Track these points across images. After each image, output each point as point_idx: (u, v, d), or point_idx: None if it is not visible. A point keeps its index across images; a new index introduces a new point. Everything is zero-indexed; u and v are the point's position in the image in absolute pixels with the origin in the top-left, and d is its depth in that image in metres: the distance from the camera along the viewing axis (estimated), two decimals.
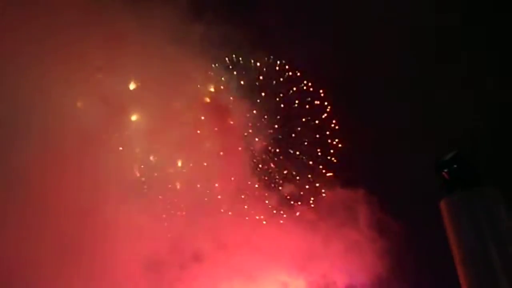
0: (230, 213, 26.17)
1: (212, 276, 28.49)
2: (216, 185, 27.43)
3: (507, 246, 8.66)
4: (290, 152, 32.27)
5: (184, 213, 25.45)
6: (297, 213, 27.68)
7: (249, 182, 28.98)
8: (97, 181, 25.52)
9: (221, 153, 28.65)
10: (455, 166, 9.48)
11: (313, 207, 28.15)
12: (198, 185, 26.49)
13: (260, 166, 31.67)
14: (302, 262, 27.93)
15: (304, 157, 32.03)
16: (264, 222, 26.82)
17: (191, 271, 27.14)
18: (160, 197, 25.13)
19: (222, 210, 26.27)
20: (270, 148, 32.09)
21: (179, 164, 27.64)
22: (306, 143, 32.74)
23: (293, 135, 32.47)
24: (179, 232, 25.05)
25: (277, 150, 32.02)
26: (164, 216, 24.77)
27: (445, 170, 9.86)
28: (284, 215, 27.18)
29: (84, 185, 23.95)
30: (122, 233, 23.47)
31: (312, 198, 29.72)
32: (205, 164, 28.07)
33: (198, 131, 27.75)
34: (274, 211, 27.19)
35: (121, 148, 27.05)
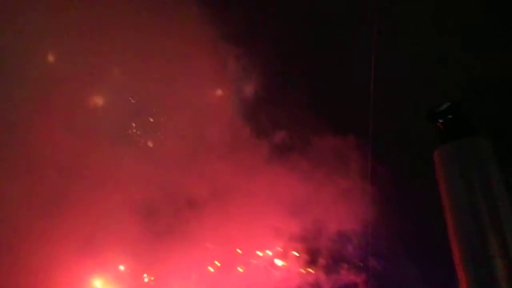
0: (223, 160, 26.27)
1: (205, 223, 29.10)
2: (208, 132, 27.30)
3: (496, 199, 8.62)
4: (280, 99, 31.81)
5: (176, 160, 25.52)
6: (290, 161, 27.81)
7: (240, 130, 28.81)
8: (87, 127, 25.26)
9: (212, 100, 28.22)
10: (449, 116, 9.28)
11: (304, 155, 28.24)
12: (190, 132, 26.41)
13: (251, 113, 31.31)
14: (295, 209, 28.49)
15: (294, 105, 31.59)
16: (257, 170, 27.04)
17: (183, 218, 27.64)
18: (150, 144, 25.05)
19: (214, 157, 26.37)
20: (260, 94, 31.56)
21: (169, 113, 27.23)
22: (296, 90, 32.15)
23: (283, 81, 31.84)
24: (171, 178, 25.22)
25: (267, 97, 31.53)
26: (156, 162, 24.83)
27: (440, 121, 9.66)
28: (277, 163, 27.34)
29: (73, 131, 23.71)
30: (113, 179, 23.56)
31: (303, 146, 29.63)
32: (195, 110, 27.78)
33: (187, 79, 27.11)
34: (267, 159, 27.32)
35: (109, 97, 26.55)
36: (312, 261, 30.31)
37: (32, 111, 22.00)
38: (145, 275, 27.21)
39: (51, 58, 23.60)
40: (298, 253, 30.24)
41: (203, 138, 26.87)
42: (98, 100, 27.20)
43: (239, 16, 29.04)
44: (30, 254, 20.21)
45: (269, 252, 30.53)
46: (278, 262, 30.75)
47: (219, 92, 30.24)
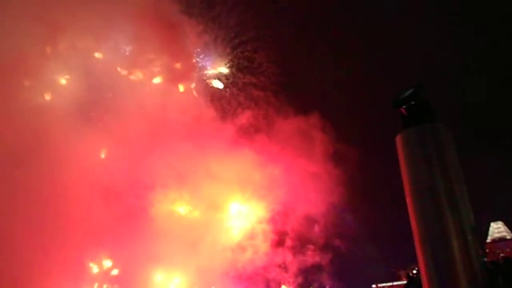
0: (186, 142, 26.09)
1: (171, 203, 28.97)
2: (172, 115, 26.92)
3: (453, 182, 9.00)
4: (245, 81, 31.70)
5: (138, 141, 25.14)
6: (255, 143, 27.94)
7: (205, 113, 28.51)
8: (46, 107, 24.37)
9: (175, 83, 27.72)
10: (412, 102, 9.54)
11: (270, 137, 28.46)
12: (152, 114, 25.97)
13: (215, 95, 30.99)
14: (262, 192, 28.77)
15: (259, 86, 31.59)
16: (222, 153, 27.03)
17: (149, 199, 27.39)
18: (114, 125, 24.51)
19: (179, 141, 26.14)
20: (225, 75, 31.33)
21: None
22: (262, 72, 32.12)
23: (247, 62, 31.67)
24: (136, 160, 24.85)
25: (232, 79, 31.31)
26: (120, 145, 24.38)
27: (403, 106, 9.93)
28: (242, 146, 27.43)
29: (32, 110, 22.86)
30: (76, 159, 22.98)
31: (268, 128, 29.73)
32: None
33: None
34: (232, 142, 27.37)
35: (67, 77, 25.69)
36: (279, 243, 30.93)
37: None
38: (108, 260, 27.02)
39: None
40: (265, 234, 30.77)
41: (166, 120, 26.57)
42: (58, 80, 26.36)
43: None
44: None
45: (235, 234, 30.86)
46: (245, 243, 31.20)
47: (182, 71, 29.83)
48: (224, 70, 30.79)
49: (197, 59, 29.63)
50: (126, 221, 23.79)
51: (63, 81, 25.39)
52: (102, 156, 24.94)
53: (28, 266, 20.07)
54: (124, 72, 26.56)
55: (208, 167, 26.79)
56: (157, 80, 27.09)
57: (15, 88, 22.36)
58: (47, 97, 24.36)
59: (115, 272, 26.47)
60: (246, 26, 30.32)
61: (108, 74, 26.12)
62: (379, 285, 53.97)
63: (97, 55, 25.31)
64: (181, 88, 28.00)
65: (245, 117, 29.65)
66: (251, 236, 30.37)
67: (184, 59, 27.89)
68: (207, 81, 30.57)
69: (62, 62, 24.60)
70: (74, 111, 24.42)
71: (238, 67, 31.03)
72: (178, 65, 27.66)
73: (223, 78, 30.98)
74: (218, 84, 30.79)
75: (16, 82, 22.46)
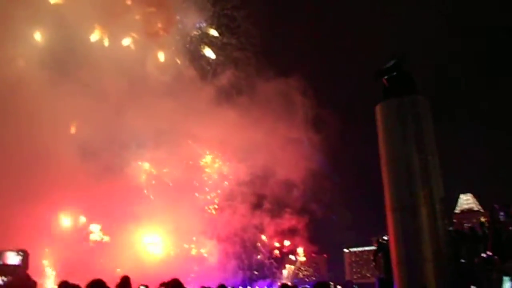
0: (165, 101, 25.62)
1: (151, 161, 28.77)
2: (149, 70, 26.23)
3: (427, 153, 9.25)
4: (228, 39, 30.97)
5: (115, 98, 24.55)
6: (235, 105, 27.63)
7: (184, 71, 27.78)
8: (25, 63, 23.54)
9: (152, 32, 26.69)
10: (394, 74, 9.63)
11: (251, 99, 28.22)
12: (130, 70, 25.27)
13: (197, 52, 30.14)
14: (242, 154, 28.88)
15: (239, 46, 30.85)
16: (202, 113, 26.74)
17: (126, 157, 27.10)
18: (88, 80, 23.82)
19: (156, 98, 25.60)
20: (206, 32, 30.36)
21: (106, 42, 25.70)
22: (242, 32, 31.26)
23: (227, 21, 30.80)
24: (114, 118, 24.39)
25: (214, 35, 30.39)
26: (94, 99, 23.77)
27: (385, 77, 10.02)
28: (223, 107, 27.18)
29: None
30: (50, 115, 22.39)
31: (249, 90, 29.38)
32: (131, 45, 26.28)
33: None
34: (212, 102, 27.06)
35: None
36: (257, 205, 31.48)
37: None
38: (82, 216, 27.00)
39: None
40: (244, 196, 31.21)
41: (144, 77, 25.93)
42: (32, 34, 25.22)
43: None
44: None
45: (211, 195, 31.13)
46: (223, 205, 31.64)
47: (161, 24, 28.78)
48: (211, 31, 29.89)
49: (177, 15, 28.57)
50: (103, 179, 23.62)
51: (37, 36, 24.40)
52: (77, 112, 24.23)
53: (1, 221, 19.96)
54: (99, 25, 25.44)
55: (188, 126, 26.50)
56: (127, 41, 26.07)
57: None
58: (21, 50, 23.41)
59: (93, 228, 26.56)
60: None
61: (83, 27, 25.08)
62: (350, 249, 55.95)
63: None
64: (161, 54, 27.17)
65: (225, 78, 29.13)
66: (230, 197, 30.70)
67: (163, 12, 26.84)
68: (190, 39, 29.65)
69: (34, 13, 23.45)
70: (49, 64, 23.59)
71: (218, 25, 30.15)
72: (158, 14, 26.50)
73: (204, 37, 30.10)
74: (209, 53, 29.91)
75: None
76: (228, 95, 28.76)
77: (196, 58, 29.82)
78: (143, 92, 25.49)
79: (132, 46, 26.45)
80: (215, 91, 27.97)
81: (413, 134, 9.42)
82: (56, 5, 23.65)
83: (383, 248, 10.35)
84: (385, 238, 10.37)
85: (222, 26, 30.16)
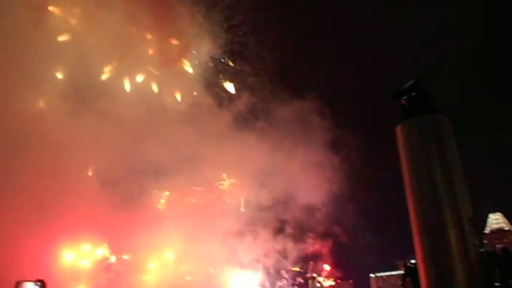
0: (184, 127, 25.93)
1: (172, 187, 28.88)
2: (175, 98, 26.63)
3: (453, 174, 9.01)
4: (241, 66, 31.28)
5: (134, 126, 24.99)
6: (254, 130, 27.68)
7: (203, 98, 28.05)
8: (45, 96, 24.29)
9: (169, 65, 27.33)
10: (413, 94, 9.52)
11: (269, 123, 28.26)
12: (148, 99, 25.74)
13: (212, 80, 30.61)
14: (262, 178, 28.78)
15: (253, 72, 31.18)
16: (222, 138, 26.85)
17: (145, 185, 27.30)
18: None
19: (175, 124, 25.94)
20: (221, 59, 30.83)
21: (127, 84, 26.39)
22: (257, 59, 31.65)
23: (241, 48, 31.24)
24: (132, 146, 24.75)
25: (227, 62, 30.77)
26: (113, 129, 24.25)
27: (404, 97, 9.91)
28: (240, 131, 27.28)
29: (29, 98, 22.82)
30: (71, 146, 22.90)
31: (266, 114, 29.46)
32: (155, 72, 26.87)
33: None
34: (231, 127, 27.20)
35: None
36: (279, 230, 31.06)
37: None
38: (104, 245, 27.07)
39: None
40: (265, 221, 30.87)
41: (161, 106, 26.37)
42: (56, 70, 26.10)
43: None
44: None
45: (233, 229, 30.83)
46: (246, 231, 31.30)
47: (177, 51, 29.37)
48: (226, 59, 30.34)
49: (192, 43, 29.20)
50: (122, 209, 23.83)
51: (59, 75, 25.30)
52: (98, 143, 24.79)
53: (21, 251, 20.26)
54: (115, 56, 26.20)
55: (206, 152, 26.70)
56: (140, 78, 26.76)
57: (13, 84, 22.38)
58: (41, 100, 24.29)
59: (112, 259, 26.60)
60: (239, 9, 29.90)
61: (102, 58, 25.84)
62: (377, 274, 54.30)
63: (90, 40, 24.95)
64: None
65: (241, 103, 29.37)
66: (251, 223, 30.47)
67: (178, 41, 27.50)
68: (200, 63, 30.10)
69: (54, 53, 24.38)
70: (70, 96, 24.29)
71: (231, 52, 30.64)
72: (174, 43, 27.15)
73: (218, 65, 30.52)
74: (230, 88, 30.37)
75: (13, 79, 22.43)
76: (246, 120, 28.93)
77: (212, 85, 30.26)
78: (161, 121, 25.93)
79: (147, 79, 27.11)
80: (232, 117, 28.21)
81: (436, 154, 9.22)
82: (72, 42, 24.50)
83: (411, 272, 10.02)
84: (412, 261, 10.05)
85: (235, 53, 30.63)
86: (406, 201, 9.42)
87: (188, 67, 28.46)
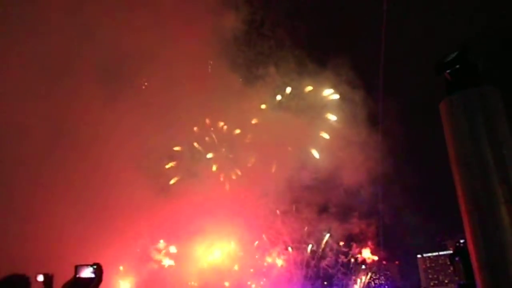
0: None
1: (212, 179, 29.15)
2: None
3: (503, 148, 8.57)
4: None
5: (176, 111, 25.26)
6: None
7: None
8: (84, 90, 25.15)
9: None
10: (457, 66, 9.07)
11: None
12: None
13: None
14: (305, 158, 28.41)
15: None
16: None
17: (189, 173, 27.67)
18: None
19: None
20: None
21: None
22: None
23: None
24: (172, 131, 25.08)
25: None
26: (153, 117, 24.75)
27: (447, 71, 9.47)
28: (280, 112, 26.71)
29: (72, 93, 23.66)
30: (113, 136, 23.58)
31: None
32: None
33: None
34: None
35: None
36: (324, 210, 30.95)
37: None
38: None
39: None
40: (309, 200, 30.76)
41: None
42: (87, 63, 26.85)
43: None
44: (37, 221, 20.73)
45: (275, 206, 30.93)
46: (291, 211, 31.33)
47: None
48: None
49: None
50: (167, 199, 24.44)
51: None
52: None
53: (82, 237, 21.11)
54: None
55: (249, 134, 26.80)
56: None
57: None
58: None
59: (172, 249, 27.23)
60: None
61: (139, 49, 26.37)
62: (424, 255, 53.21)
63: None
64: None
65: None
66: (295, 201, 30.50)
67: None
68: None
69: None
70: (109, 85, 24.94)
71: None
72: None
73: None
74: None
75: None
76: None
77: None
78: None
79: None
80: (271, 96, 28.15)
81: (484, 128, 8.77)
82: None
83: (461, 252, 9.73)
84: (461, 241, 9.73)
85: None
86: (453, 179, 9.09)
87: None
